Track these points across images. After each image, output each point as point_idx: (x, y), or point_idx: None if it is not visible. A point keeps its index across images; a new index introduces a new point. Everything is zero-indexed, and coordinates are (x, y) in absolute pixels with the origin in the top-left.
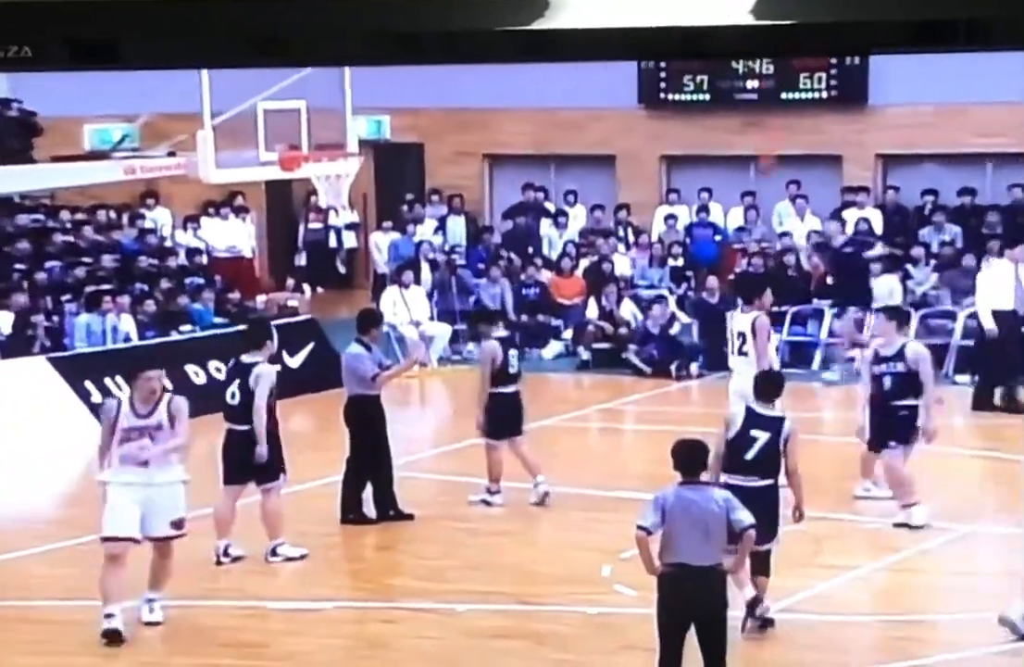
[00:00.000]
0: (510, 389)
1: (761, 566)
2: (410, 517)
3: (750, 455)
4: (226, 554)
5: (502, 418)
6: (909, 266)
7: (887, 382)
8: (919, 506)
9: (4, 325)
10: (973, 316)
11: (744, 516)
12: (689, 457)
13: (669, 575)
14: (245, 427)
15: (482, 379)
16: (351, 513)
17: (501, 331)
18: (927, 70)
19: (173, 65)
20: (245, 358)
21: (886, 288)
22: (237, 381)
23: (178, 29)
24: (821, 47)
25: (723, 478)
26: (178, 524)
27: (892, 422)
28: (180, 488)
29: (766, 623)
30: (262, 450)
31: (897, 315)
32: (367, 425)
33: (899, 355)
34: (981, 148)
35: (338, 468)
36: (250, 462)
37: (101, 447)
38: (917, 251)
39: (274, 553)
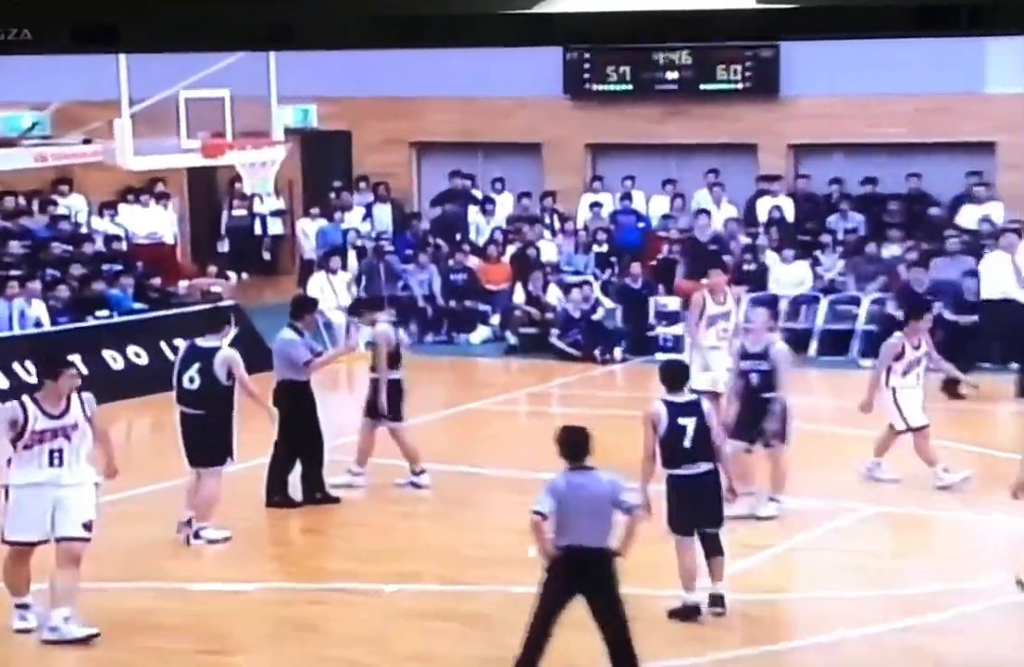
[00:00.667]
0: (398, 375)
1: (713, 547)
2: (336, 500)
3: (686, 443)
4: (198, 536)
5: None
6: (818, 252)
7: (754, 378)
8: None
9: None
10: (877, 302)
11: (630, 497)
12: (574, 444)
13: (564, 557)
14: (200, 411)
15: (379, 363)
16: (276, 496)
17: (388, 316)
18: (835, 62)
19: (174, 48)
20: (201, 342)
21: (798, 275)
22: (196, 365)
23: (179, 13)
24: (822, 30)
25: (668, 472)
26: (88, 526)
27: (758, 416)
28: (91, 489)
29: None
30: (273, 413)
31: (774, 313)
32: (298, 410)
33: (764, 354)
34: (882, 138)
35: (262, 451)
36: (203, 445)
37: None
38: (826, 238)
39: (197, 536)
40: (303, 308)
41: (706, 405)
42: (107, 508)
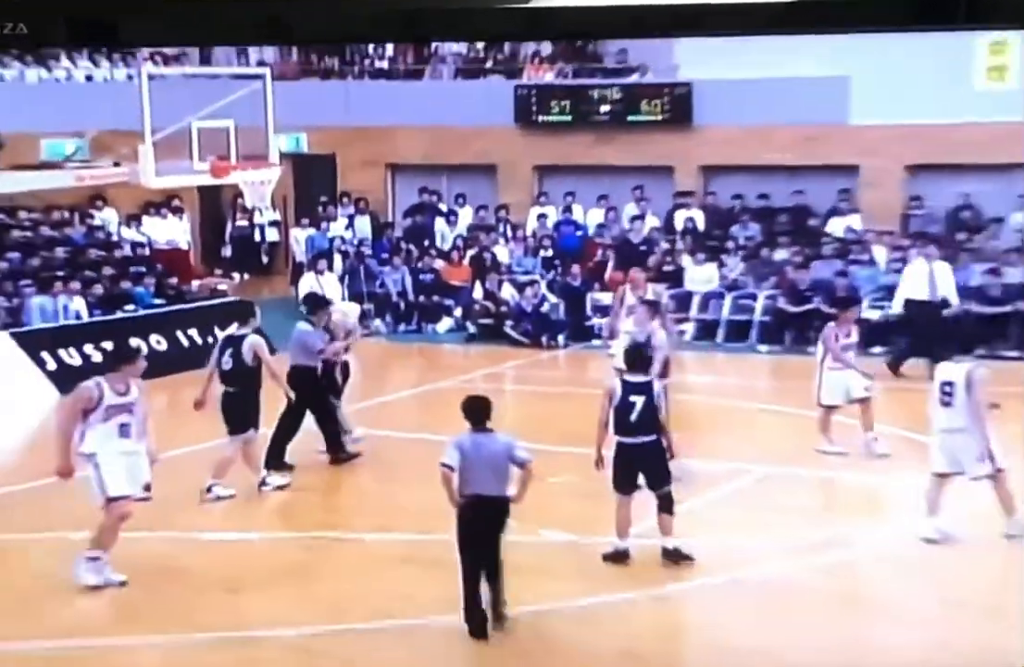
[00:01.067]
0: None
1: (665, 505)
2: (358, 455)
3: (633, 417)
4: (209, 491)
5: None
6: (724, 256)
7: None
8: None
9: None
10: (770, 297)
11: (524, 454)
12: (477, 410)
13: (467, 504)
14: (233, 389)
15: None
16: (273, 460)
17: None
18: (737, 97)
19: (171, 43)
20: (233, 332)
21: (707, 275)
22: (230, 350)
23: (176, 8)
24: (818, 25)
25: (616, 439)
26: (147, 487)
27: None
28: (146, 457)
29: (679, 557)
30: (291, 393)
31: (655, 307)
32: (308, 389)
33: (648, 341)
34: (773, 162)
35: (268, 422)
36: (231, 416)
37: (67, 422)
38: (729, 244)
39: (209, 490)
40: (317, 306)
41: (657, 386)
42: None
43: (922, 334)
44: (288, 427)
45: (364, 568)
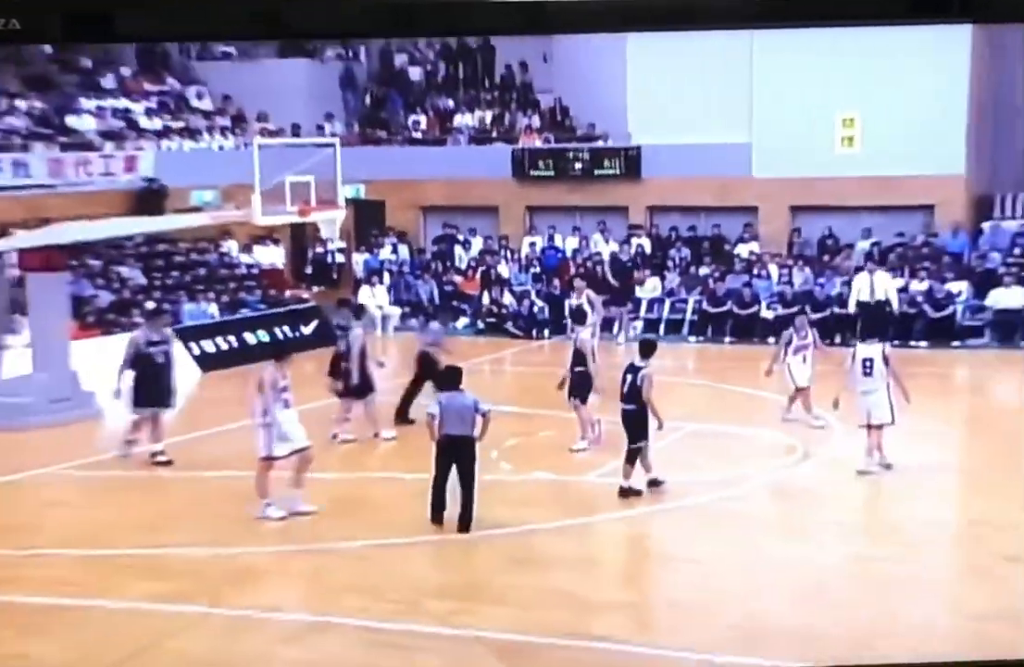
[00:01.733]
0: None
1: (631, 457)
2: (412, 422)
3: (625, 390)
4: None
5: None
6: (665, 272)
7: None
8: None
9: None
10: (697, 302)
11: (484, 406)
12: (452, 376)
13: (443, 440)
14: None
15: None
16: (401, 416)
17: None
18: (672, 157)
19: (168, 39)
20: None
21: (652, 284)
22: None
23: (174, 2)
24: (813, 18)
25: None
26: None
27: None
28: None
29: (656, 484)
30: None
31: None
32: (429, 368)
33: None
34: (699, 203)
35: (328, 394)
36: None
37: (254, 400)
38: (669, 263)
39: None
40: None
41: (644, 372)
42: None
43: (868, 326)
44: (411, 393)
45: (403, 500)
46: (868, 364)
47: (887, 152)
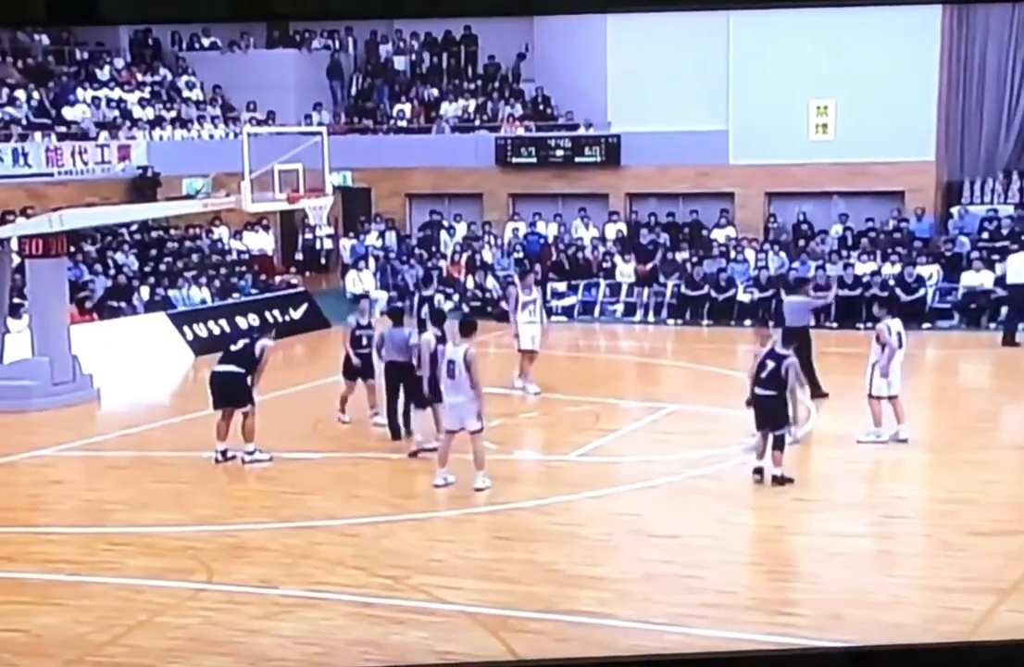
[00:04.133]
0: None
1: (780, 444)
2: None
3: (764, 375)
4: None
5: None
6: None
7: None
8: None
9: (145, 295)
10: (676, 285)
11: (413, 340)
12: (395, 316)
13: (387, 366)
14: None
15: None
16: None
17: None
18: (651, 145)
19: (153, 21)
20: (363, 321)
21: (630, 269)
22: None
23: None
24: None
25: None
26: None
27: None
28: None
29: (783, 481)
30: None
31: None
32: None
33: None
34: (677, 190)
35: (324, 374)
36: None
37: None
38: (655, 245)
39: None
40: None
41: (788, 360)
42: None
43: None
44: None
45: (395, 476)
46: (901, 337)
47: (860, 139)
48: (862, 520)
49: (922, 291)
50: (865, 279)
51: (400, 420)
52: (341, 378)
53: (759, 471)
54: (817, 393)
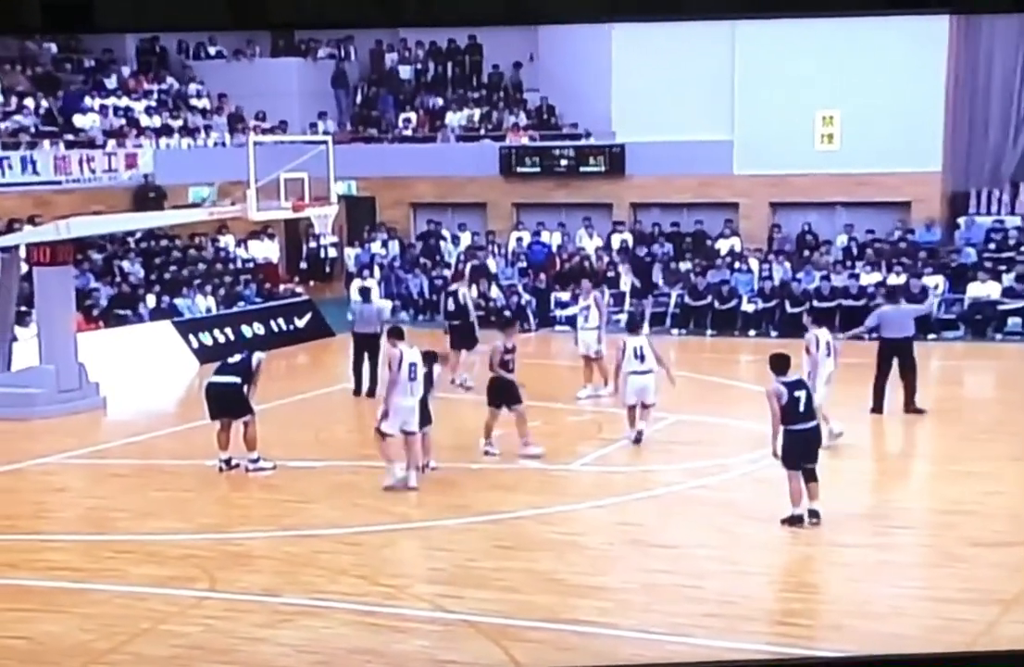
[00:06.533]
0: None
1: (811, 476)
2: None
3: (801, 408)
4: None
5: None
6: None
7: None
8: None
9: (152, 303)
10: (680, 295)
11: (385, 315)
12: (363, 294)
13: (356, 336)
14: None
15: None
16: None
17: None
18: (655, 155)
19: (148, 29)
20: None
21: (628, 279)
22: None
23: None
24: (796, 8)
25: (785, 428)
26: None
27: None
28: None
29: (813, 514)
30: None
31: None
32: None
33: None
34: (680, 200)
35: (327, 383)
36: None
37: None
38: (652, 257)
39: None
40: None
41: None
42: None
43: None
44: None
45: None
46: (831, 347)
47: (866, 149)
48: (864, 530)
49: (928, 301)
50: (870, 290)
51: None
52: (345, 386)
53: (800, 519)
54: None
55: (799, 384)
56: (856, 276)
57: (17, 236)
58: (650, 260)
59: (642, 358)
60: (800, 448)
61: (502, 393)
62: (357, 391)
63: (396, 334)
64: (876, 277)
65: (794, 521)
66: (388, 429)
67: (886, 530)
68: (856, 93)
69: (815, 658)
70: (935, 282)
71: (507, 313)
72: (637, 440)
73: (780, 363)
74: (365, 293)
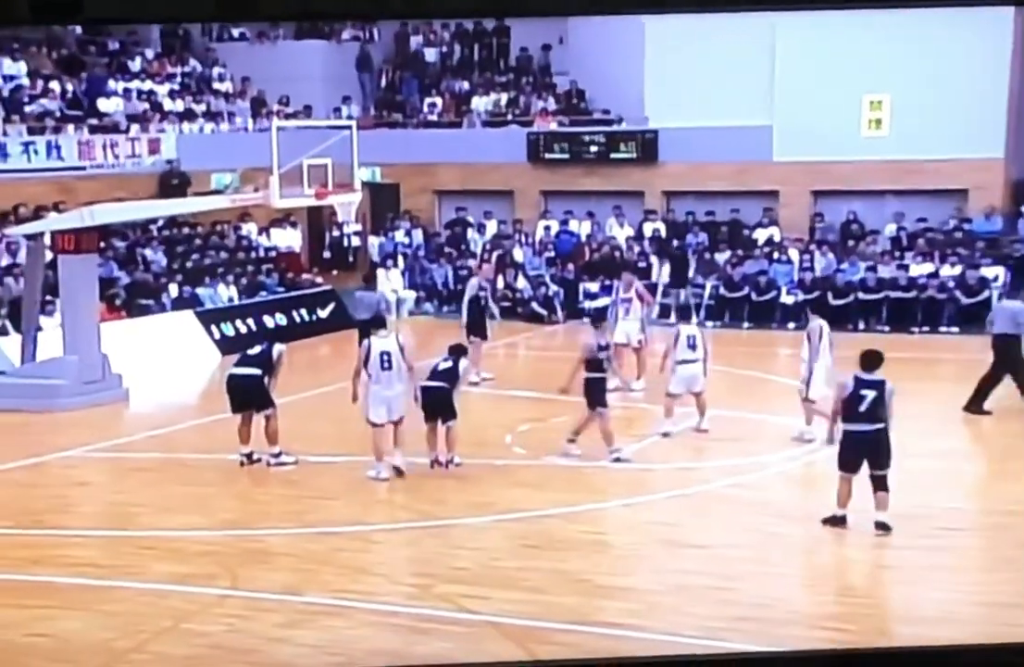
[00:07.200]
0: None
1: (879, 485)
2: None
3: (863, 408)
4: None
5: None
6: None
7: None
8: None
9: (174, 292)
10: (714, 287)
11: (382, 305)
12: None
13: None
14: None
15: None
16: None
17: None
18: (689, 140)
19: (137, 21)
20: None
21: (667, 270)
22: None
23: None
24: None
25: (844, 427)
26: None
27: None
28: None
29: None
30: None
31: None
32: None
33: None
34: (716, 187)
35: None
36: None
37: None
38: (686, 248)
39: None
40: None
41: (889, 386)
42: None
43: None
44: None
45: (412, 480)
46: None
47: (918, 135)
48: (911, 532)
49: (986, 293)
50: (921, 281)
51: None
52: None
53: (842, 520)
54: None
55: (875, 384)
56: (905, 267)
57: (42, 223)
58: (682, 251)
59: (694, 347)
60: (853, 450)
61: (598, 394)
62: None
63: (374, 324)
64: (928, 268)
65: (836, 522)
66: (374, 418)
67: (935, 532)
68: (907, 76)
69: (799, 651)
70: (995, 273)
71: (557, 304)
72: (702, 429)
73: (868, 359)
74: (369, 280)
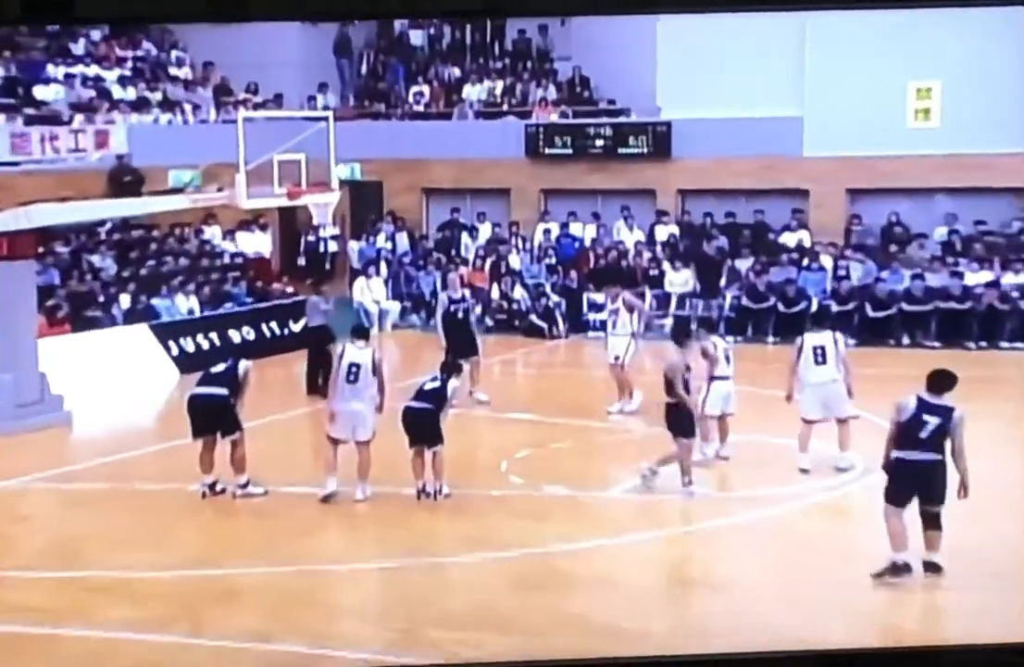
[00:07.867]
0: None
1: (930, 523)
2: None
3: (923, 434)
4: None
5: None
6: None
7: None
8: None
9: (125, 303)
10: (735, 297)
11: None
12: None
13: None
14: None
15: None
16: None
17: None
18: (707, 133)
19: (128, 22)
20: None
21: (683, 278)
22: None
23: None
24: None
25: (895, 454)
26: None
27: None
28: None
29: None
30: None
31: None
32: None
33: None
34: (737, 186)
35: (317, 399)
36: None
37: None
38: (703, 253)
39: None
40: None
41: (957, 413)
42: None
43: None
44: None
45: (403, 514)
46: (820, 352)
47: (973, 126)
48: (965, 570)
49: None
50: (978, 290)
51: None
52: None
53: (905, 568)
54: None
55: (941, 410)
56: (960, 275)
57: None
58: (712, 255)
59: (728, 360)
60: (905, 482)
61: (685, 421)
62: (311, 390)
63: (353, 332)
64: (986, 276)
65: (897, 571)
66: (334, 433)
67: (993, 569)
68: (960, 60)
69: (787, 651)
70: None
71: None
72: (723, 457)
73: (938, 380)
74: (315, 286)
